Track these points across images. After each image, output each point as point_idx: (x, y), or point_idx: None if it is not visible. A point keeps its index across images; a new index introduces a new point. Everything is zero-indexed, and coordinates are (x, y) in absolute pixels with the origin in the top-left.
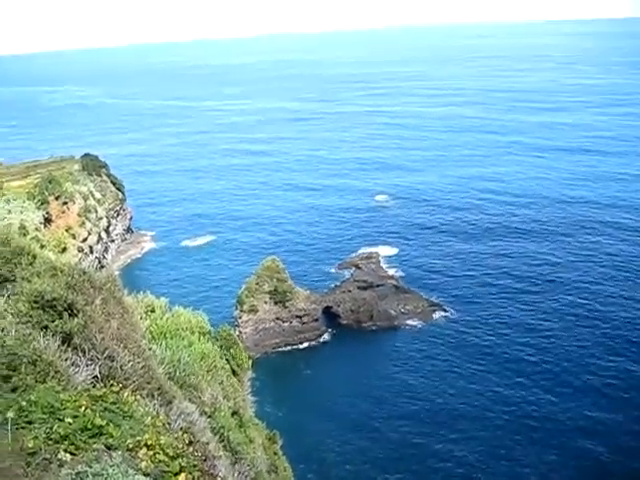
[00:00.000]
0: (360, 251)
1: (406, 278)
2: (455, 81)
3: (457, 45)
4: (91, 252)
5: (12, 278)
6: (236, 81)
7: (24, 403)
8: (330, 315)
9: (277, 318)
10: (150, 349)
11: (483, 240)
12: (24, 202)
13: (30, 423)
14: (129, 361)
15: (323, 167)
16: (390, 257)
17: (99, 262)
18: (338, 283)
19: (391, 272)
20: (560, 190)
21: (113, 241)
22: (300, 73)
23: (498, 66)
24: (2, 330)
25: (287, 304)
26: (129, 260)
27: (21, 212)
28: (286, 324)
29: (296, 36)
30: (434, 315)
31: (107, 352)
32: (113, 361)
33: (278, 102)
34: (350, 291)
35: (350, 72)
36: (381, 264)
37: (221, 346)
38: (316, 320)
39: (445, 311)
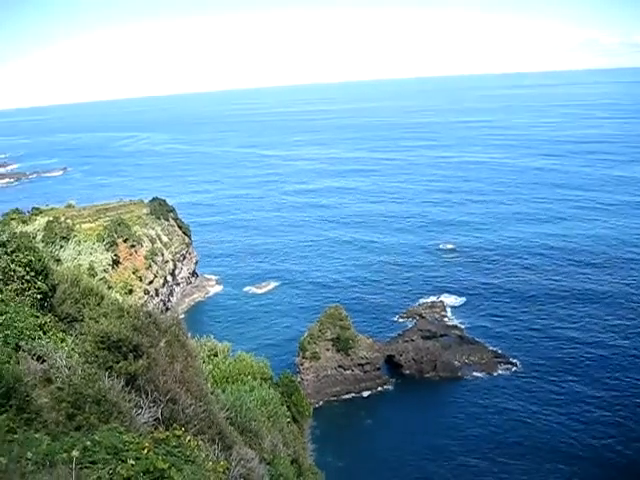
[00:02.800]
0: (424, 300)
1: (471, 329)
2: (523, 131)
3: (516, 94)
4: (156, 295)
5: (80, 318)
6: (303, 129)
7: (88, 443)
8: (392, 364)
9: (339, 366)
10: (212, 393)
11: (551, 298)
12: (94, 244)
13: (94, 463)
14: (191, 405)
15: (388, 219)
16: (455, 307)
17: (164, 305)
18: (401, 332)
19: (455, 322)
20: (636, 251)
21: (178, 284)
22: (364, 122)
23: (567, 114)
24: (69, 369)
25: (349, 352)
26: (193, 303)
27: (90, 254)
28: (348, 372)
29: (363, 83)
30: (499, 367)
31: (170, 395)
32: (175, 404)
33: (342, 151)
34: (413, 340)
35: (416, 121)
36: (445, 314)
37: (282, 392)
38: (378, 369)
39: (510, 364)
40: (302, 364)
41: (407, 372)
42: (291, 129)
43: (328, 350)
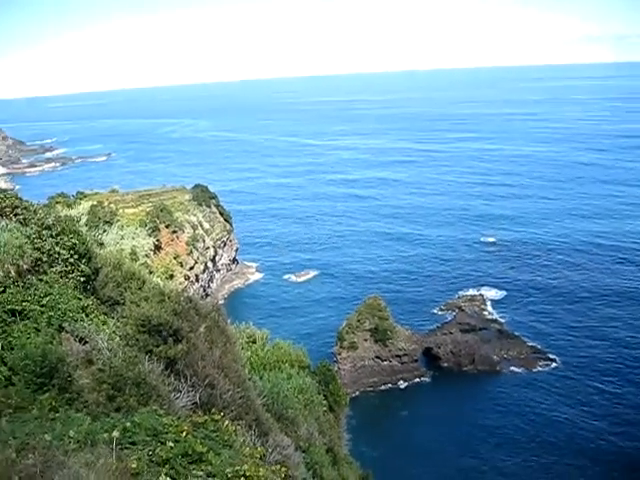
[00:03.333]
0: (463, 293)
1: (510, 323)
2: (567, 124)
3: (556, 86)
4: (197, 280)
5: (122, 301)
6: (345, 118)
7: (128, 424)
8: (430, 357)
9: (376, 356)
10: (250, 379)
11: (593, 296)
12: (136, 229)
13: (134, 444)
14: (229, 390)
15: (428, 211)
16: (495, 301)
17: (204, 291)
18: (440, 324)
19: (495, 316)
20: None
21: (219, 271)
22: (406, 112)
23: (612, 108)
24: (110, 351)
25: (387, 343)
26: (233, 290)
27: (133, 238)
28: (385, 363)
29: (405, 74)
30: (538, 363)
31: (208, 380)
32: (213, 389)
33: (385, 141)
34: (452, 333)
35: (459, 112)
36: (485, 307)
37: (319, 381)
38: (416, 361)
39: (550, 360)
40: (339, 354)
41: (445, 365)
42: (333, 118)
43: (366, 340)
